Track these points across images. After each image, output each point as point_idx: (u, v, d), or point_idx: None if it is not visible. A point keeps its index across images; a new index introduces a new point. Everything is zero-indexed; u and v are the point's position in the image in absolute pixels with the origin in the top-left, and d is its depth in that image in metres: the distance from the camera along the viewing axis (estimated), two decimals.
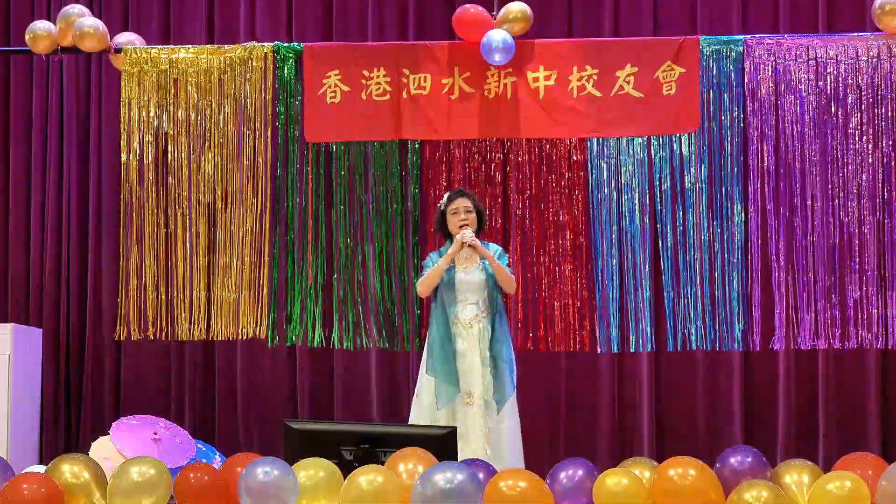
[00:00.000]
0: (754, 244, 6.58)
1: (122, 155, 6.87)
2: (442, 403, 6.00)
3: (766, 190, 6.56)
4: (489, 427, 5.98)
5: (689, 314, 6.60)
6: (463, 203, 6.18)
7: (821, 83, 6.53)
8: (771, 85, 6.56)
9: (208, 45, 7.09)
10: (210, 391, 8.09)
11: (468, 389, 6.01)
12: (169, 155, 6.82)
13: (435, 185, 6.85)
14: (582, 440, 7.70)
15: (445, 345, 6.05)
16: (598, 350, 6.75)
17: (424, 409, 6.08)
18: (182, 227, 6.82)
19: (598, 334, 6.70)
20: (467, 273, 6.14)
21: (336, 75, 6.79)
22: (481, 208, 6.29)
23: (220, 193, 6.81)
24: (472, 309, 6.11)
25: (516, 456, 6.00)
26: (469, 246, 6.06)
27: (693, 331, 6.59)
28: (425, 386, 6.11)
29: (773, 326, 6.55)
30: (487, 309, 6.11)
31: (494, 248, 6.20)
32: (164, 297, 6.81)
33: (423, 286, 6.17)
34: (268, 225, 6.80)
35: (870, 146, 6.51)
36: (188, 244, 6.82)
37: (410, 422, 6.15)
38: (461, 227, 6.11)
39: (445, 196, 6.28)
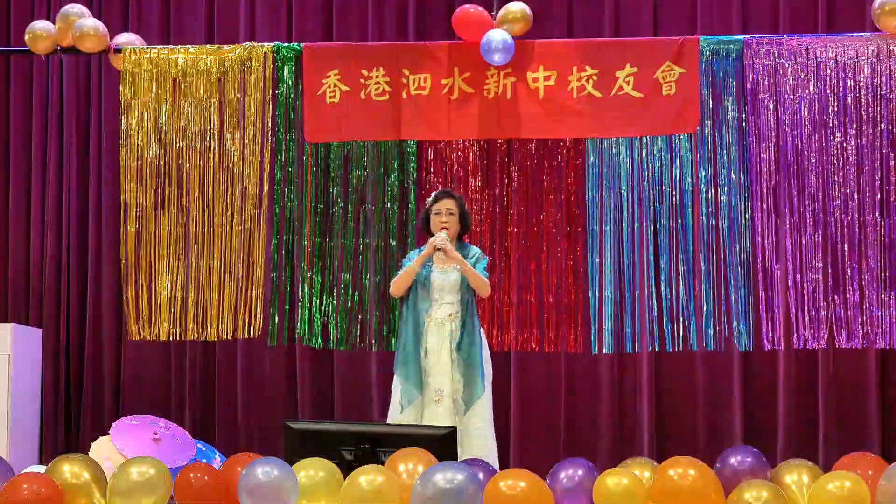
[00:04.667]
0: (754, 244, 6.58)
1: (122, 155, 6.87)
2: (405, 403, 6.03)
3: (766, 190, 6.56)
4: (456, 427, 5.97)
5: (689, 314, 6.60)
6: (446, 205, 6.19)
7: (820, 83, 6.53)
8: (771, 85, 6.56)
9: (208, 45, 7.09)
10: (210, 391, 8.09)
11: (438, 387, 6.02)
12: (168, 155, 6.82)
13: (433, 186, 6.84)
14: (582, 440, 7.70)
15: (414, 345, 6.07)
16: (594, 351, 6.74)
17: (395, 407, 6.10)
18: (181, 227, 6.82)
19: (595, 335, 6.69)
20: (444, 273, 6.14)
21: (336, 75, 6.79)
22: (466, 211, 6.28)
23: (219, 193, 6.81)
24: (446, 308, 6.12)
25: (487, 457, 5.94)
26: (439, 249, 6.06)
27: (693, 331, 6.59)
28: (397, 385, 6.13)
29: (772, 326, 6.55)
30: (461, 310, 6.11)
31: (475, 252, 6.20)
32: (163, 297, 6.80)
33: (396, 286, 6.19)
34: (267, 225, 6.80)
35: (870, 146, 6.50)
36: (187, 244, 6.81)
37: (388, 421, 6.15)
38: (441, 229, 6.12)
39: (432, 195, 6.30)
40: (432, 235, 6.20)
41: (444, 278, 6.14)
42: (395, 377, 6.16)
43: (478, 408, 6.02)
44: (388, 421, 6.15)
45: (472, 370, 6.03)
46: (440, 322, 6.10)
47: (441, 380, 6.03)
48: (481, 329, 6.24)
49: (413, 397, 6.02)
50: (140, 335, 6.82)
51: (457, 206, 6.20)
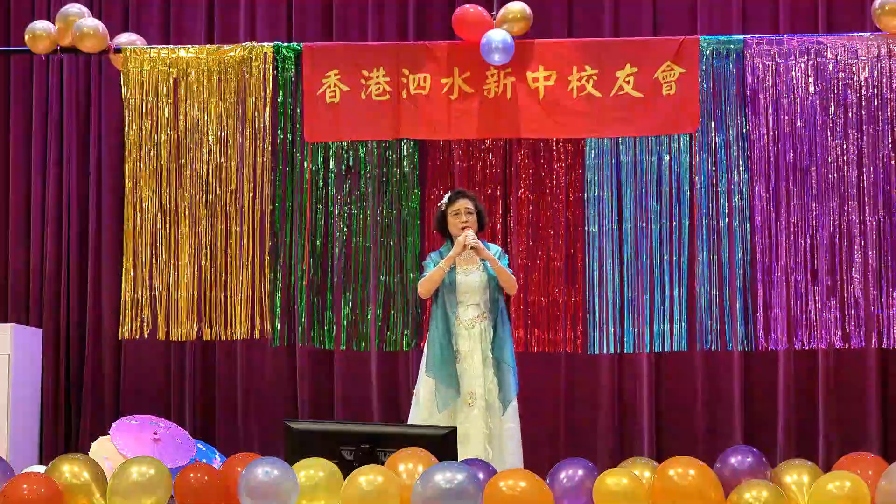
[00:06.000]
0: (754, 244, 6.57)
1: (123, 154, 6.87)
2: (441, 407, 5.98)
3: (766, 190, 6.56)
4: (490, 428, 5.97)
5: (689, 314, 6.59)
6: (464, 204, 6.15)
7: (820, 83, 6.53)
8: (771, 85, 6.56)
9: (208, 45, 7.09)
10: (210, 391, 8.09)
11: (470, 390, 5.99)
12: (169, 155, 6.82)
13: (434, 185, 6.84)
14: (582, 440, 7.70)
15: (446, 348, 6.02)
16: (592, 351, 6.73)
17: (423, 409, 6.07)
18: (182, 227, 6.81)
19: (594, 335, 6.69)
20: (467, 274, 6.12)
21: (336, 75, 6.79)
22: (482, 209, 6.27)
23: (219, 193, 6.81)
24: (473, 310, 6.10)
25: (518, 457, 6.00)
26: (472, 248, 6.05)
27: (692, 331, 6.58)
28: (424, 386, 6.10)
29: (772, 326, 6.54)
30: (489, 310, 6.11)
31: (495, 249, 6.18)
32: (164, 297, 6.80)
33: (424, 288, 6.15)
34: (268, 225, 6.80)
35: (870, 146, 6.50)
36: (188, 244, 6.81)
37: (409, 422, 6.15)
38: (463, 228, 6.10)
39: (446, 196, 6.26)
40: (449, 236, 6.17)
41: (469, 279, 6.11)
42: (423, 377, 6.10)
43: (512, 408, 6.02)
44: (410, 421, 6.13)
45: (506, 369, 6.02)
46: (469, 324, 6.07)
47: (473, 382, 6.00)
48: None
49: (450, 401, 5.97)
50: (133, 335, 6.80)
51: (474, 205, 6.19)
